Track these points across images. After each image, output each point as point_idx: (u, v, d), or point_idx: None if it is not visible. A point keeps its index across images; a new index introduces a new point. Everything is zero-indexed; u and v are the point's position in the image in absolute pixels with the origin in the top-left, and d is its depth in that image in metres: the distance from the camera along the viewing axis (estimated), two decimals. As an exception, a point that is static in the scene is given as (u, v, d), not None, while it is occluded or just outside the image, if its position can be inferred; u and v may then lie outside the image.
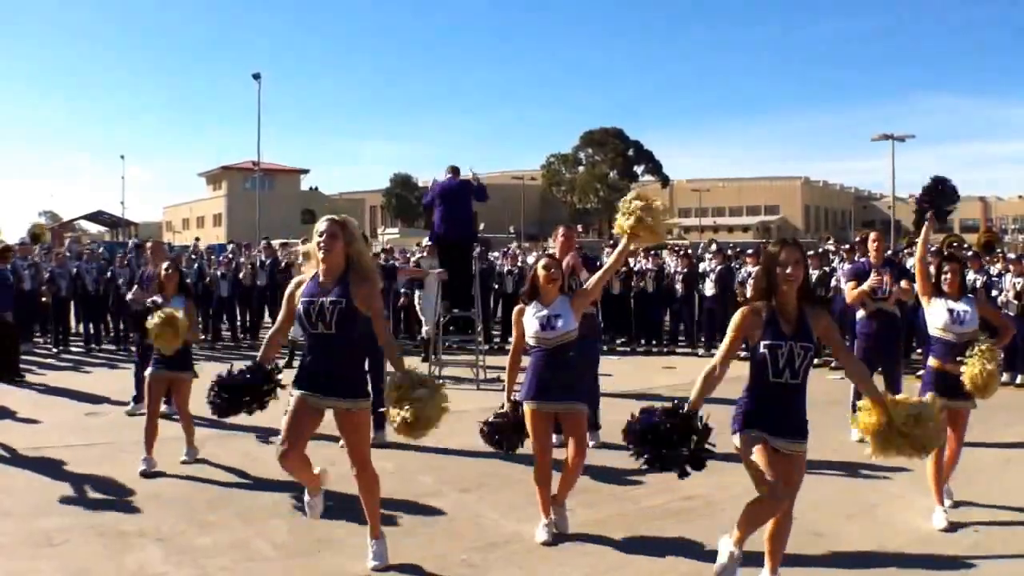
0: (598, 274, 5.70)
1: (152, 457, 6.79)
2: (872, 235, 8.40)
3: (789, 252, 4.01)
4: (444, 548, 5.08)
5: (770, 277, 4.05)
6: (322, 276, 4.54)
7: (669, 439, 3.94)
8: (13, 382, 10.69)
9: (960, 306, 5.73)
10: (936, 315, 5.78)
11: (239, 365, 4.73)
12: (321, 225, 4.56)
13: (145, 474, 6.64)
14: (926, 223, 6.35)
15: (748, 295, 4.29)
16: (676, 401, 4.05)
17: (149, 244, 10.22)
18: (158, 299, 7.20)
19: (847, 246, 15.97)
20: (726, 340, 4.14)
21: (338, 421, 4.66)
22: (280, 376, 4.68)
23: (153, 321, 6.76)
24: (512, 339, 5.63)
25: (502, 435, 5.45)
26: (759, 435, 4.05)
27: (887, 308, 7.84)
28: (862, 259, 9.49)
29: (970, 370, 5.48)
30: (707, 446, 3.99)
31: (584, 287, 5.82)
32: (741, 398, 4.16)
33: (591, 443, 7.09)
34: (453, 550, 5.05)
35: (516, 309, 5.50)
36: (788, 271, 3.98)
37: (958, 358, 5.56)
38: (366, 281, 4.53)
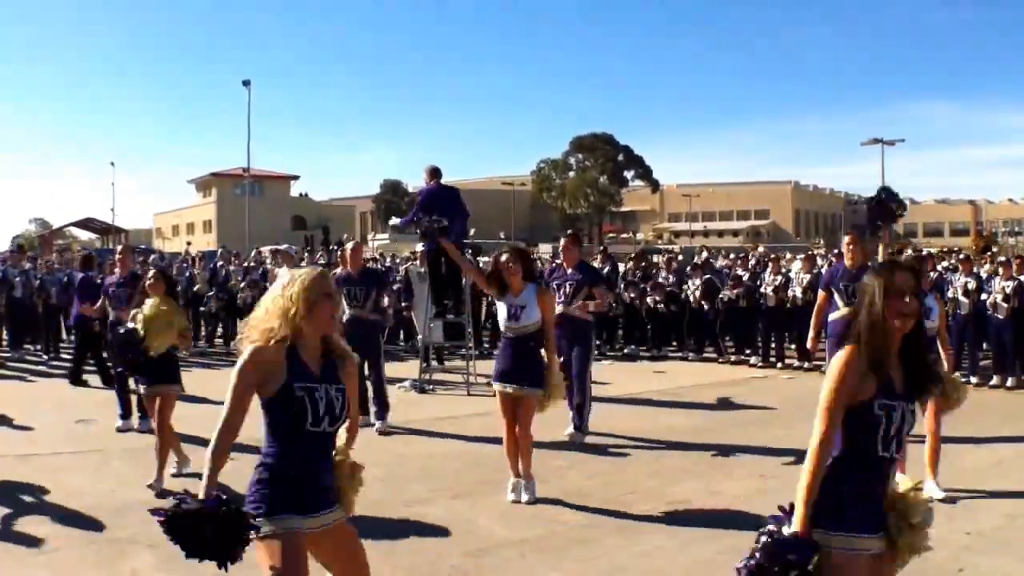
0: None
1: (162, 476, 6.39)
2: (846, 239, 8.25)
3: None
4: (435, 555, 5.09)
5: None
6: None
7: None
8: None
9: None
10: None
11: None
12: None
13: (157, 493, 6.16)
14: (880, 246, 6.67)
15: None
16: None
17: (119, 249, 9.38)
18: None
19: (836, 251, 16.00)
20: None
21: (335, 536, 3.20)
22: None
23: (143, 312, 6.37)
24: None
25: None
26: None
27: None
28: (837, 264, 9.19)
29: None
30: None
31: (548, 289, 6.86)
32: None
33: (577, 440, 7.97)
34: (444, 557, 5.05)
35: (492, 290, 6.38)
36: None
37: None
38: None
